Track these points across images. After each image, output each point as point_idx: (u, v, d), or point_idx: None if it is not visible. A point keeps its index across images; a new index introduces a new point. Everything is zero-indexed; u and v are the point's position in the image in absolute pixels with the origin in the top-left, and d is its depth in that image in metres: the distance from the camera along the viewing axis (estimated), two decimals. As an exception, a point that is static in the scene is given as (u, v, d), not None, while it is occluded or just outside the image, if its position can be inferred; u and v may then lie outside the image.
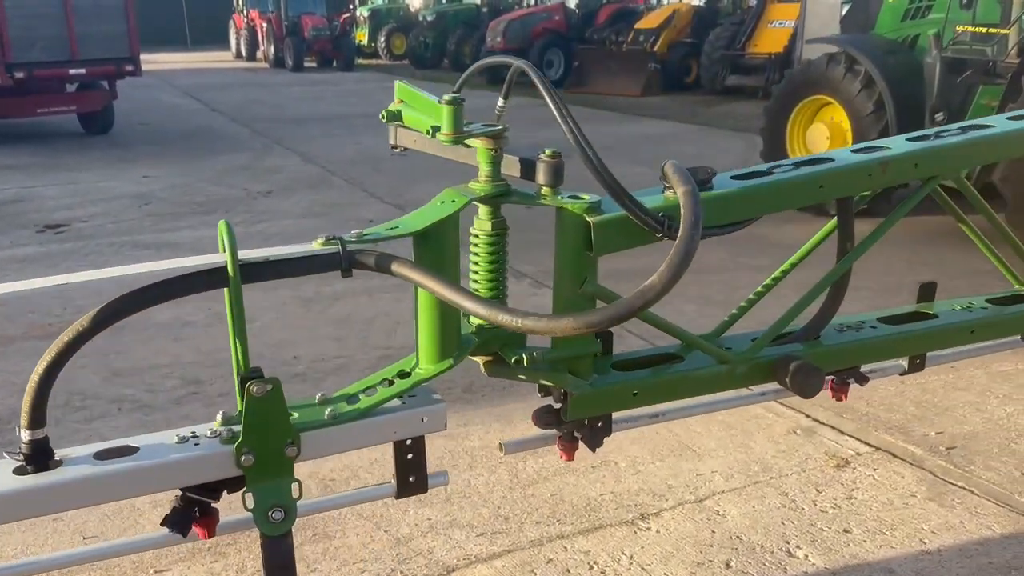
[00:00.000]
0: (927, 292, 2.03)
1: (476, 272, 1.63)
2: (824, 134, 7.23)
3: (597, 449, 1.73)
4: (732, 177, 1.65)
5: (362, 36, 28.26)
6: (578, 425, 1.68)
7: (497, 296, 1.63)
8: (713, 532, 2.91)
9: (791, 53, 14.45)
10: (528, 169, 1.55)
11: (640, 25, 18.42)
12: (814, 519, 2.97)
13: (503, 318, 1.32)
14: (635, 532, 2.92)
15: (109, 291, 1.48)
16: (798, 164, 1.69)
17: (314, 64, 25.82)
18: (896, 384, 4.05)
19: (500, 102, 1.56)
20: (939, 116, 6.28)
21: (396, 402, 1.55)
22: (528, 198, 1.57)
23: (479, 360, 1.62)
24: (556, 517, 3.02)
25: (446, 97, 1.49)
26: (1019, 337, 2.10)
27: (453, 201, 1.55)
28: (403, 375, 1.58)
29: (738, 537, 2.87)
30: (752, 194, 1.61)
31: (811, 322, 1.86)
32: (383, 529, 2.95)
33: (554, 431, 1.70)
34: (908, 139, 1.78)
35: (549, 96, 1.44)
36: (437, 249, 1.55)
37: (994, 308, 1.99)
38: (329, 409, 1.50)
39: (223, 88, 20.14)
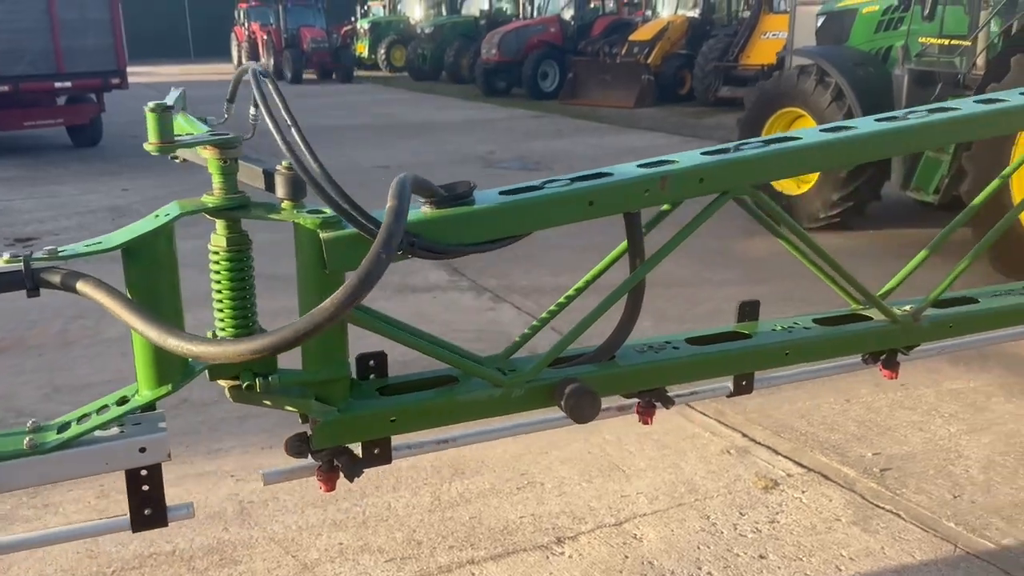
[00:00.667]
0: (748, 311, 1.95)
1: (218, 293, 1.49)
2: (796, 147, 7.16)
3: (355, 479, 1.60)
4: (501, 192, 1.57)
5: (362, 48, 28.40)
6: (337, 452, 1.56)
7: (245, 320, 1.49)
8: (626, 557, 2.84)
9: (783, 64, 14.41)
10: (270, 181, 1.46)
11: (634, 37, 18.41)
12: (731, 544, 2.90)
13: (172, 343, 1.24)
14: (547, 557, 2.86)
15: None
16: (574, 179, 1.61)
17: (314, 76, 25.93)
18: (841, 403, 3.99)
19: (251, 111, 1.45)
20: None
21: (115, 430, 1.45)
22: (268, 212, 1.47)
23: (224, 384, 1.50)
24: (471, 541, 2.96)
25: (150, 104, 1.41)
26: (859, 358, 2.02)
27: (167, 214, 1.44)
28: (122, 401, 1.48)
29: (650, 563, 2.81)
30: (514, 210, 1.52)
31: (606, 341, 1.79)
32: (291, 554, 2.90)
33: (317, 459, 1.57)
34: (703, 152, 1.71)
35: (261, 101, 1.37)
36: (149, 266, 1.43)
37: (818, 329, 1.90)
38: (29, 438, 1.40)
39: (219, 101, 20.17)
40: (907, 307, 1.96)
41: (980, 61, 5.92)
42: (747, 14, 17.49)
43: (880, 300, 1.92)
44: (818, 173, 6.99)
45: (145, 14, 38.23)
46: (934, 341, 2.01)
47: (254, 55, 28.86)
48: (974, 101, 1.89)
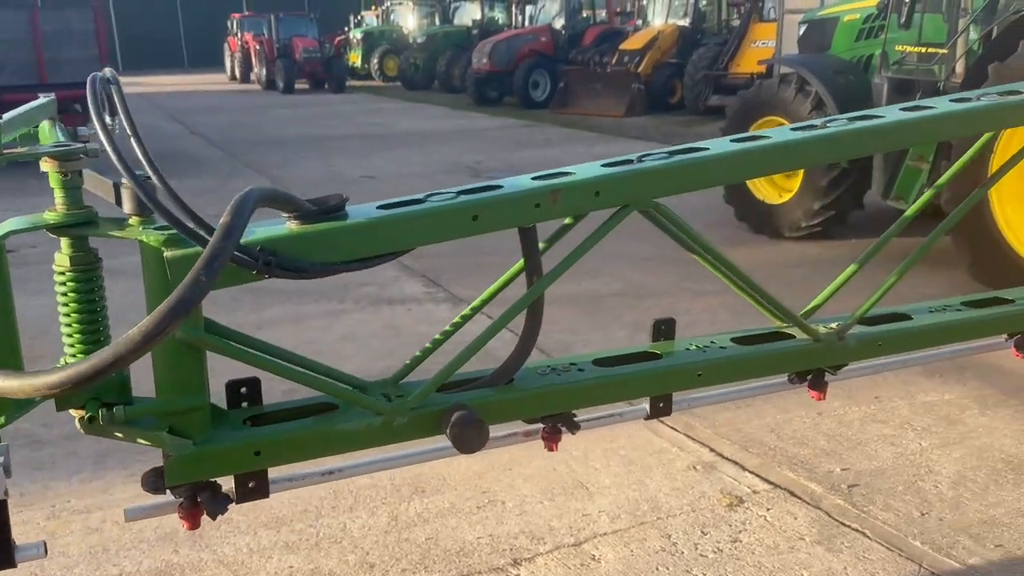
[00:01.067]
0: (664, 330, 1.87)
1: (66, 316, 1.39)
2: (777, 155, 7.12)
3: (218, 516, 1.46)
4: (379, 206, 1.46)
5: (355, 58, 28.42)
6: (199, 488, 1.44)
7: (95, 345, 1.39)
8: (582, 579, 2.77)
9: (771, 73, 14.40)
10: (118, 195, 1.36)
11: (625, 46, 18.41)
12: (691, 565, 2.82)
13: None
14: (502, 579, 2.79)
15: None
16: (460, 192, 1.52)
17: (306, 86, 25.94)
18: (813, 416, 3.92)
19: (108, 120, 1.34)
20: (887, 137, 6.17)
21: None
22: (115, 228, 1.37)
23: (75, 414, 1.39)
24: (424, 564, 2.88)
25: None
26: (785, 378, 1.92)
27: None
28: None
29: (606, 585, 2.74)
30: (389, 225, 1.42)
31: (503, 364, 1.69)
32: (239, 576, 2.82)
33: (176, 495, 1.44)
34: (603, 164, 1.63)
35: (94, 110, 1.29)
36: None
37: (735, 348, 1.81)
38: None
39: (209, 111, 20.21)
40: (834, 325, 1.87)
41: (959, 68, 5.88)
42: (737, 23, 17.50)
43: (800, 318, 1.83)
44: (799, 182, 6.96)
45: (139, 25, 38.33)
46: (863, 360, 1.93)
47: (247, 65, 28.93)
48: (900, 109, 1.83)
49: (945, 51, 5.58)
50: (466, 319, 1.70)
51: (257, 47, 26.98)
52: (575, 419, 1.72)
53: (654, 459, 3.56)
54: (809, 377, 1.88)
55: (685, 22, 18.69)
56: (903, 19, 5.94)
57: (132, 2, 38.34)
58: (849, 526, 3.02)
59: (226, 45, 31.43)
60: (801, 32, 7.79)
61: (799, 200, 6.97)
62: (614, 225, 1.59)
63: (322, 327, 5.28)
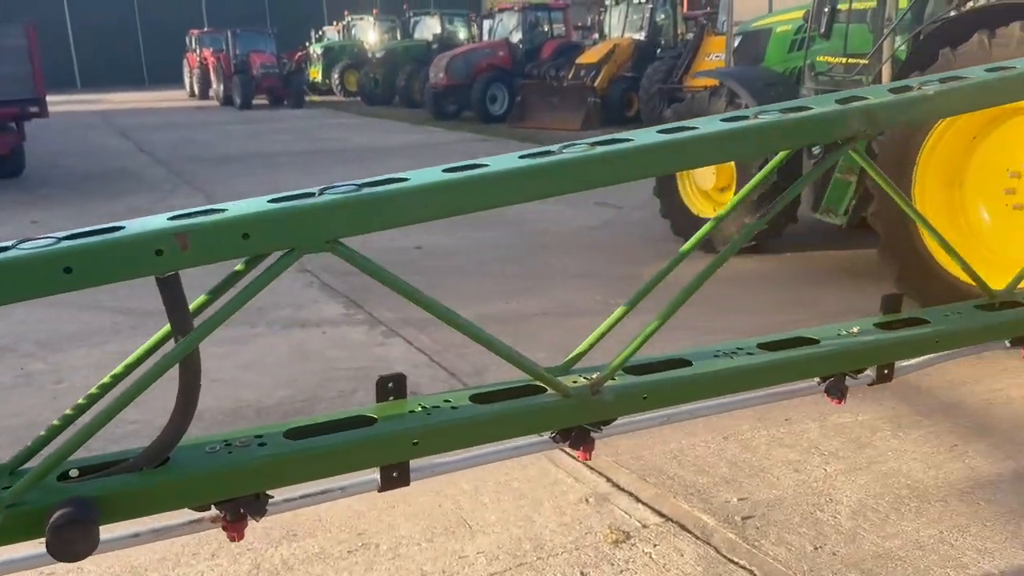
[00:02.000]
0: (394, 388, 1.62)
1: None
2: (710, 169, 7.03)
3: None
4: None
5: (316, 73, 28.21)
6: None
7: None
8: (444, 629, 2.57)
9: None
10: None
11: (581, 60, 18.39)
12: (562, 610, 2.64)
13: None
14: (359, 631, 2.58)
15: None
16: (63, 237, 1.28)
17: (265, 102, 25.67)
18: (719, 441, 3.77)
19: None
20: (816, 149, 6.08)
21: None
22: None
23: None
24: (279, 613, 2.68)
25: None
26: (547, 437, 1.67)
27: None
28: None
29: (468, 636, 2.54)
30: None
31: (153, 442, 1.41)
32: (72, 634, 2.60)
33: None
34: (269, 200, 1.43)
35: None
36: None
37: (468, 408, 1.59)
38: None
39: (162, 127, 19.88)
40: (595, 375, 1.67)
41: (885, 78, 5.81)
42: (692, 36, 17.53)
43: (543, 371, 1.62)
44: (731, 195, 6.86)
45: (97, 42, 37.85)
46: (631, 415, 1.72)
47: (205, 81, 28.59)
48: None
49: (865, 62, 5.51)
50: (105, 389, 1.39)
51: (215, 63, 26.68)
52: (265, 500, 1.46)
53: (546, 492, 3.38)
54: (572, 435, 1.67)
55: (641, 36, 18.71)
56: (823, 29, 5.88)
57: (89, 19, 37.83)
58: (737, 563, 2.86)
59: (185, 61, 31.07)
60: (736, 44, 7.73)
61: (732, 215, 6.85)
62: (278, 273, 1.36)
63: (227, 354, 5.05)
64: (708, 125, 1.61)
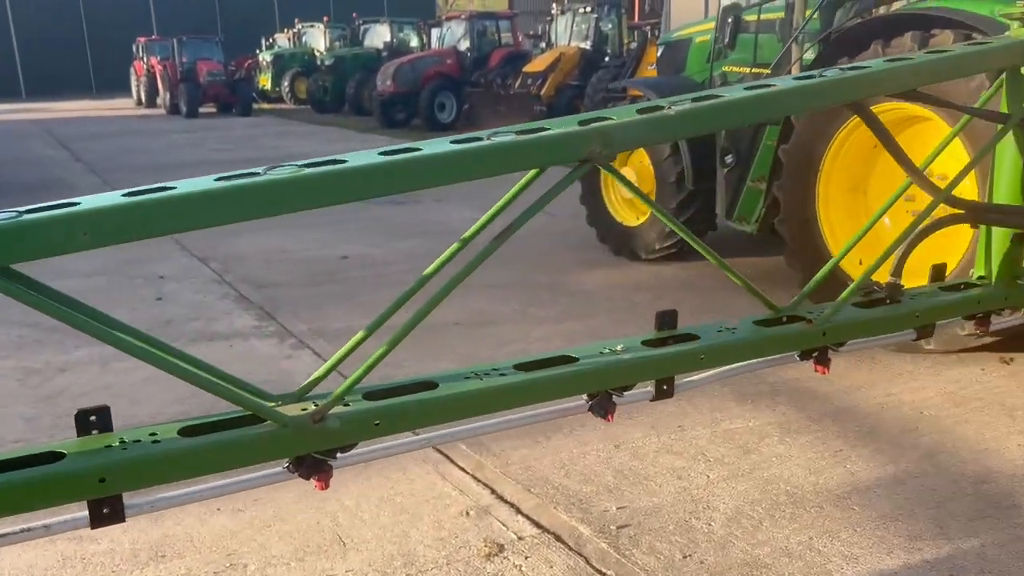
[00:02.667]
0: (92, 421, 1.52)
1: None
2: (631, 177, 7.07)
3: None
4: None
5: (265, 81, 27.94)
6: None
7: None
8: (297, 650, 2.52)
9: (665, 94, 14.56)
10: None
11: (528, 68, 18.46)
12: (420, 627, 2.61)
13: None
14: (210, 654, 2.52)
15: None
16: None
17: (213, 110, 25.35)
18: (610, 448, 3.77)
19: None
20: (728, 158, 6.16)
21: None
22: None
23: None
24: (132, 638, 2.61)
25: None
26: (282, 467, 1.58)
27: None
28: None
29: (319, 656, 2.50)
30: None
31: None
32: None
33: None
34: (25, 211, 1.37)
35: None
36: None
37: (175, 441, 1.51)
38: None
39: (103, 137, 19.51)
40: (326, 401, 1.60)
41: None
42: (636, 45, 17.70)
43: (260, 401, 1.56)
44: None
45: (43, 50, 37.08)
46: (383, 439, 1.67)
47: (153, 89, 28.18)
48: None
49: (766, 71, 5.59)
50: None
51: (162, 71, 26.30)
52: None
53: (429, 506, 3.34)
54: (304, 464, 1.60)
55: (587, 45, 18.85)
56: (726, 40, 5.95)
57: (35, 26, 37.03)
58: (604, 573, 2.85)
59: (132, 70, 30.59)
60: (659, 53, 7.79)
61: (653, 222, 6.92)
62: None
63: (128, 369, 4.94)
64: (436, 147, 1.59)
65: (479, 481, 3.52)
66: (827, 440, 3.82)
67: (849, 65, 1.84)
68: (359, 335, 1.69)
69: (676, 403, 4.29)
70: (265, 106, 27.27)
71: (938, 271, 2.11)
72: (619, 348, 1.70)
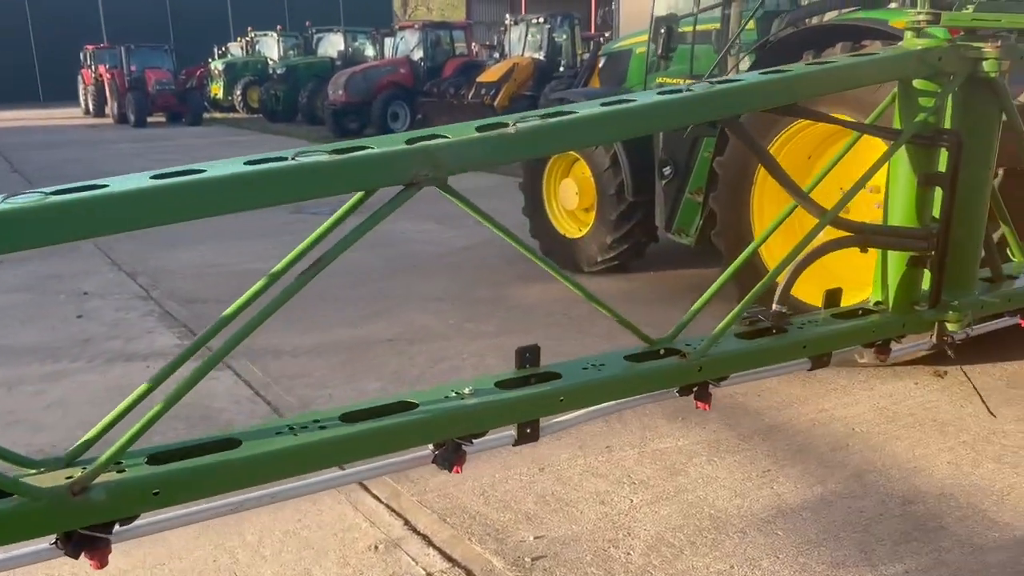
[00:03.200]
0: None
1: None
2: (573, 189, 6.98)
3: None
4: None
5: (217, 90, 27.39)
6: None
7: None
8: None
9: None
10: None
11: (482, 79, 18.35)
12: (310, 676, 2.43)
13: None
14: None
15: None
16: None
17: (163, 119, 24.82)
18: (534, 472, 3.62)
19: None
20: (667, 170, 6.08)
21: None
22: None
23: None
24: None
25: None
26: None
27: None
28: None
29: None
30: None
31: None
32: None
33: None
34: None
35: None
36: None
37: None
38: None
39: (47, 147, 18.96)
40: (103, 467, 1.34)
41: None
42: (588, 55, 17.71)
43: (21, 465, 1.34)
44: (593, 216, 6.81)
45: (-12, 56, 36.07)
46: (167, 509, 1.41)
47: (101, 98, 27.50)
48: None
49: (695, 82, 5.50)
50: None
51: (110, 80, 25.70)
52: None
53: (336, 540, 3.16)
54: (71, 542, 1.33)
55: (541, 55, 18.81)
56: (659, 51, 5.88)
57: (-22, 33, 36.06)
58: (514, 610, 2.71)
59: (80, 78, 29.87)
60: (601, 64, 7.72)
61: (594, 234, 6.82)
62: None
63: (35, 392, 4.69)
64: (226, 168, 1.37)
65: (393, 511, 3.35)
66: (756, 459, 3.72)
67: (720, 79, 1.72)
68: (142, 388, 1.47)
69: (605, 421, 4.19)
70: (217, 115, 26.77)
71: (832, 296, 2.00)
72: (467, 391, 1.53)
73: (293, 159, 1.38)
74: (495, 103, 17.76)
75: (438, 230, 9.16)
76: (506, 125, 1.50)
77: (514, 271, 7.20)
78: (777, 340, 1.83)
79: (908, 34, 1.81)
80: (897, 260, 1.95)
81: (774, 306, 1.87)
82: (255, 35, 28.98)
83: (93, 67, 28.02)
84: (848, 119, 2.06)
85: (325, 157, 1.39)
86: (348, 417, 1.49)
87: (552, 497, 3.42)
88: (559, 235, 7.21)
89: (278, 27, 28.37)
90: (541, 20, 19.20)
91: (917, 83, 1.82)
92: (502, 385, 1.57)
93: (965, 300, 1.95)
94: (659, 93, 1.65)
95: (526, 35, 19.31)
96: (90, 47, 29.17)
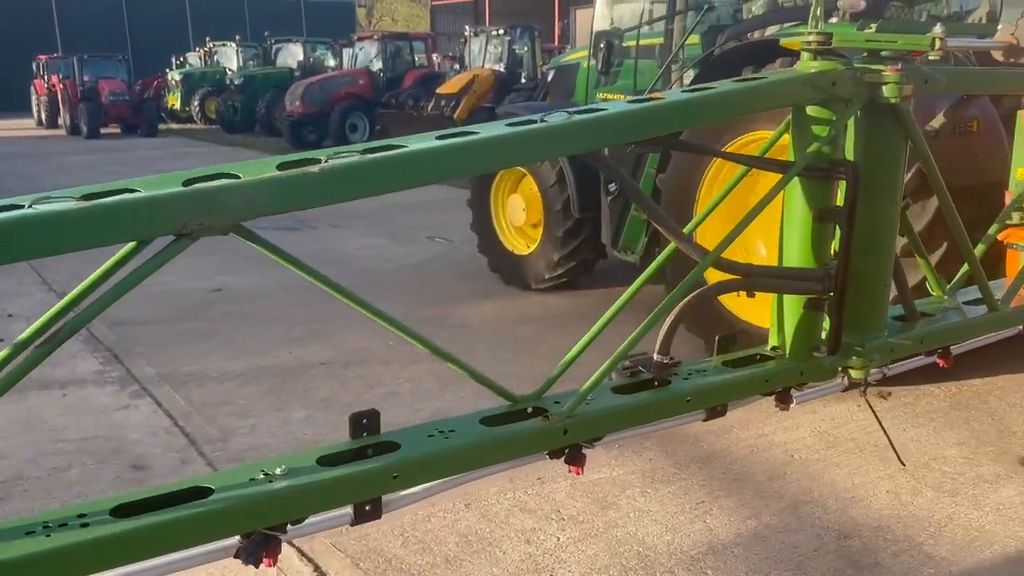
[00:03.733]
0: None
1: None
2: (520, 205, 6.84)
3: None
4: None
5: (174, 100, 26.95)
6: None
7: None
8: None
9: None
10: None
11: (441, 90, 18.19)
12: None
13: None
14: None
15: None
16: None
17: (117, 130, 24.30)
18: (460, 508, 3.45)
19: None
20: (612, 186, 5.95)
21: None
22: None
23: None
24: None
25: None
26: None
27: None
28: None
29: None
30: None
31: None
32: None
33: None
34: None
35: None
36: None
37: None
38: None
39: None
40: None
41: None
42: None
43: None
44: (541, 232, 6.67)
45: (-64, 66, 35.12)
46: None
47: (54, 109, 26.89)
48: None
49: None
50: None
51: (63, 90, 25.12)
52: None
53: (240, 585, 2.95)
54: None
55: (501, 67, 18.71)
56: (600, 66, 5.77)
57: (-72, 41, 35.11)
58: (421, 666, 2.52)
59: (33, 88, 29.19)
60: (550, 78, 7.60)
61: (541, 251, 6.67)
62: None
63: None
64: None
65: (303, 556, 3.15)
66: (691, 490, 3.58)
67: (578, 109, 1.57)
68: None
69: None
70: (173, 126, 26.29)
71: (725, 342, 1.86)
72: (278, 471, 1.33)
73: (30, 207, 1.17)
74: (455, 115, 17.61)
75: (388, 246, 8.97)
76: (317, 161, 1.33)
77: (466, 288, 7.03)
78: (658, 394, 1.68)
79: (805, 56, 1.67)
80: (793, 303, 1.81)
81: (655, 356, 1.72)
82: (213, 45, 28.56)
83: (46, 77, 27.41)
84: (735, 152, 1.93)
85: (71, 205, 1.19)
86: (121, 510, 1.26)
87: (475, 536, 3.25)
88: (507, 251, 7.06)
89: (237, 37, 27.96)
90: (501, 32, 19.12)
91: (811, 110, 1.68)
92: (325, 461, 1.38)
93: (872, 343, 1.82)
94: (509, 124, 1.49)
95: (486, 47, 19.21)
96: (43, 57, 28.55)
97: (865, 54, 1.64)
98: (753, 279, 1.80)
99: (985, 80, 1.96)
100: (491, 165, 1.48)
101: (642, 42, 5.84)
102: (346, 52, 21.63)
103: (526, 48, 19.22)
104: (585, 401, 1.60)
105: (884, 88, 1.62)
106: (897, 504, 3.43)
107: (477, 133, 1.44)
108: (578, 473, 1.60)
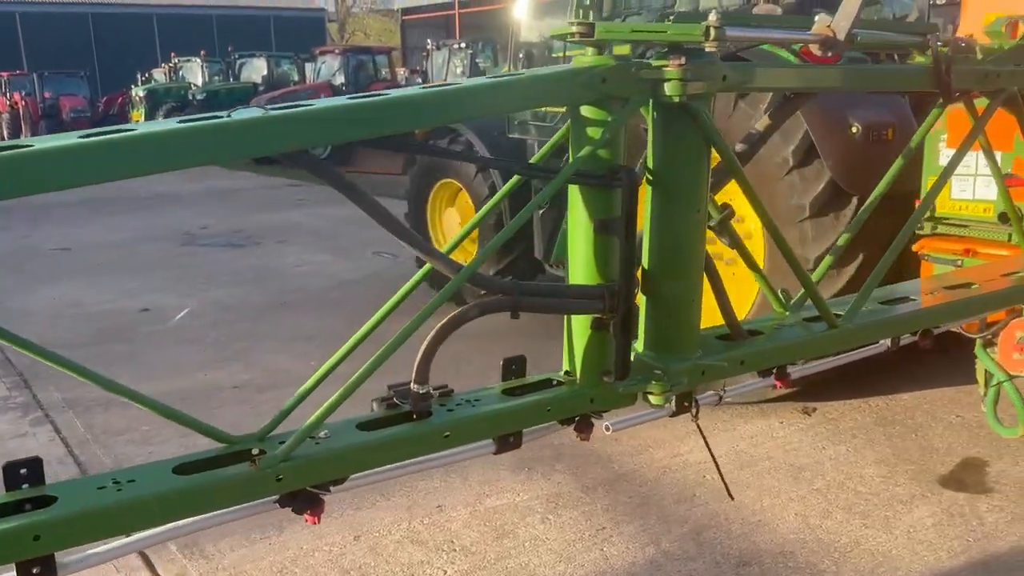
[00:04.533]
0: None
1: None
2: (456, 220, 6.71)
3: None
4: None
5: (138, 116, 26.60)
6: None
7: None
8: None
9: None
10: None
11: (403, 103, 18.10)
12: None
13: None
14: None
15: None
16: None
17: (79, 147, 23.98)
18: (348, 540, 3.28)
19: None
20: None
21: None
22: None
23: None
24: None
25: None
26: None
27: None
28: None
29: None
30: None
31: None
32: None
33: None
34: None
35: None
36: None
37: None
38: None
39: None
40: None
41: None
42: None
43: None
44: (477, 246, 6.53)
45: None
46: None
47: (16, 127, 26.50)
48: None
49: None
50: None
51: (24, 107, 24.80)
52: None
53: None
54: None
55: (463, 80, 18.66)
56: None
57: None
58: None
59: (-6, 105, 28.81)
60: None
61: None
62: None
63: None
64: None
65: (171, 591, 2.97)
66: (594, 515, 3.44)
67: (281, 105, 1.42)
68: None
69: (443, 475, 3.85)
70: (138, 143, 26.00)
71: (512, 366, 1.73)
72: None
73: None
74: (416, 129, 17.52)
75: (330, 262, 8.79)
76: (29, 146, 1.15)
77: (404, 304, 6.85)
78: (414, 428, 1.54)
79: (589, 51, 1.53)
80: (581, 323, 1.67)
81: (412, 386, 1.58)
82: (178, 61, 28.31)
83: (8, 94, 27.05)
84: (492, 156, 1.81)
85: None
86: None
87: (359, 572, 3.08)
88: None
89: (202, 52, 27.72)
90: (464, 45, 19.08)
91: (585, 110, 1.55)
92: None
93: (677, 366, 1.68)
94: (181, 121, 1.33)
95: (449, 60, 19.15)
96: (5, 74, 28.19)
97: (666, 49, 1.51)
98: (516, 298, 1.66)
99: (814, 77, 1.80)
100: (152, 166, 1.22)
101: (568, 52, 5.73)
102: (309, 66, 21.46)
103: (488, 61, 19.19)
104: (315, 440, 1.45)
105: (665, 85, 1.48)
106: (804, 528, 3.30)
107: (135, 130, 1.25)
108: (314, 523, 1.44)
